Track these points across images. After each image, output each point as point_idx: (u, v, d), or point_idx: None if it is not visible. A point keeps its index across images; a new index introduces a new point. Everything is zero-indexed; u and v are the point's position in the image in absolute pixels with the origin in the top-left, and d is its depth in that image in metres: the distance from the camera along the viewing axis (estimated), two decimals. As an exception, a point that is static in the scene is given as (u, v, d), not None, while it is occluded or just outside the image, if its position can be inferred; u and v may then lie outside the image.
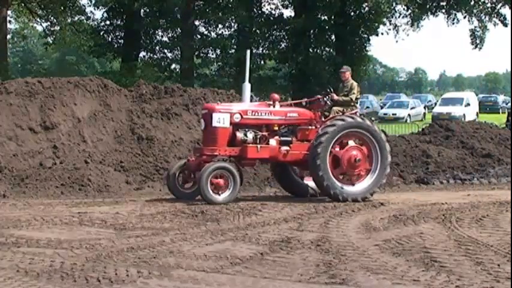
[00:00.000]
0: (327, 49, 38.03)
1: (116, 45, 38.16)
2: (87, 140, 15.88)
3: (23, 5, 37.97)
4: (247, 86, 13.55)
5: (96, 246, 8.36)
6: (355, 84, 13.68)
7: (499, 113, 53.98)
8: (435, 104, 56.44)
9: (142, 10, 36.75)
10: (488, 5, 38.14)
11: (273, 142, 12.74)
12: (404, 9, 38.66)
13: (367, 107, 50.77)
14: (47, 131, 15.70)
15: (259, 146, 12.54)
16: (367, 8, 36.70)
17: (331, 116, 13.13)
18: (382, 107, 53.44)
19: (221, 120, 12.47)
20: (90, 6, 35.61)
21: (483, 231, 9.53)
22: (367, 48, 38.70)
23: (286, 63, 37.74)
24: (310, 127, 13.03)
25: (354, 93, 13.49)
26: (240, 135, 12.58)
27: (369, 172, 12.98)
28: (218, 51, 37.66)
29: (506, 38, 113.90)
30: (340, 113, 13.13)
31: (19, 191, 13.63)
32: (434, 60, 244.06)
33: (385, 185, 15.76)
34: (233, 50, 37.36)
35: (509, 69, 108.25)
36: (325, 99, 13.14)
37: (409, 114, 47.43)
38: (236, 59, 36.22)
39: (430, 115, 47.58)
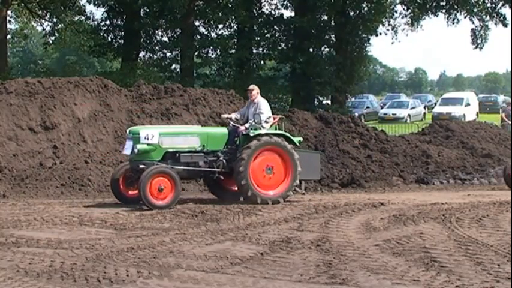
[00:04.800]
0: (327, 49, 37.98)
1: (116, 45, 38.06)
2: (87, 140, 15.88)
3: (23, 5, 37.90)
4: None
5: (96, 246, 8.36)
6: None
7: (499, 113, 53.81)
8: (435, 104, 56.35)
9: (142, 10, 36.66)
10: (488, 4, 38.09)
11: None
12: (404, 9, 38.67)
13: (367, 107, 50.75)
14: (47, 131, 15.70)
15: None
16: (366, 8, 36.67)
17: None
18: (382, 107, 53.40)
19: None
20: (90, 4, 35.29)
21: (483, 231, 9.53)
22: (367, 49, 38.68)
23: (286, 63, 37.65)
24: None
25: None
26: None
27: None
28: (218, 51, 37.61)
29: (506, 38, 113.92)
30: None
31: (19, 191, 13.63)
32: (434, 60, 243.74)
33: (385, 185, 15.77)
34: (233, 50, 37.32)
35: (509, 69, 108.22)
36: None
37: (409, 114, 47.37)
38: (236, 58, 36.20)
39: (430, 115, 47.52)
